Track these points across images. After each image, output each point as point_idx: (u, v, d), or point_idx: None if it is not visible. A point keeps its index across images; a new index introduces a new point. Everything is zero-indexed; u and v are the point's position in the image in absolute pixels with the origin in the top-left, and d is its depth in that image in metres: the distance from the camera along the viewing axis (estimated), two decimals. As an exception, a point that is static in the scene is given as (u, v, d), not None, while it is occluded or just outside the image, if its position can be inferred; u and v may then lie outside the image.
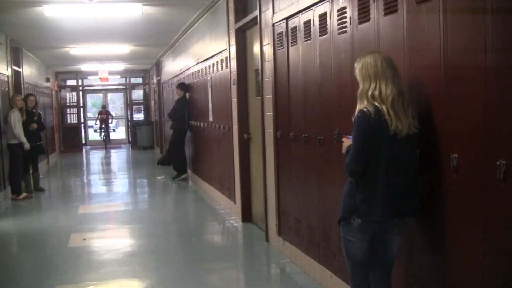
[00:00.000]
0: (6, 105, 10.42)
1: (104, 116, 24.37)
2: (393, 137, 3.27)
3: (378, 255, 3.52)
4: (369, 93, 3.32)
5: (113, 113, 29.00)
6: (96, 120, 25.28)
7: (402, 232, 3.50)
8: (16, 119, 10.31)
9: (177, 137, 12.53)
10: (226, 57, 8.47)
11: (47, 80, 18.75)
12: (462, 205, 3.11)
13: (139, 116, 26.36)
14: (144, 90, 25.37)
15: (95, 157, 20.72)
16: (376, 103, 3.30)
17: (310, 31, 5.09)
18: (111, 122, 26.05)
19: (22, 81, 13.51)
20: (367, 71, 3.35)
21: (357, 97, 3.42)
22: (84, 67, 20.33)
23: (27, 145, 10.42)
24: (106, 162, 19.07)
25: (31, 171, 11.21)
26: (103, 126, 24.19)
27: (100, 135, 24.40)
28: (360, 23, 4.15)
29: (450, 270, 3.25)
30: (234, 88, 8.08)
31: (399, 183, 3.33)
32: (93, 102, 34.47)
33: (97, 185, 13.70)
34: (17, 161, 10.40)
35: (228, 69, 8.36)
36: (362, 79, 3.39)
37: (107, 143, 23.65)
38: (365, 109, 3.30)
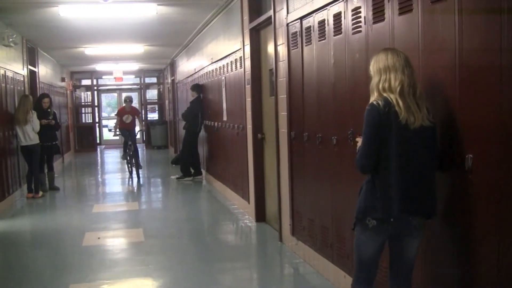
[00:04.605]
0: (26, 104, 10.45)
1: (129, 118, 13.52)
2: (405, 129, 3.23)
3: (397, 259, 3.47)
4: (380, 85, 3.32)
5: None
6: (116, 128, 13.93)
7: (419, 236, 3.43)
8: (36, 120, 10.46)
9: (190, 138, 12.56)
10: (240, 57, 8.47)
11: (62, 79, 18.89)
12: (477, 206, 3.09)
13: (153, 116, 26.43)
14: (159, 89, 25.47)
15: (110, 157, 20.80)
16: (385, 95, 3.29)
17: (325, 31, 5.08)
18: (140, 130, 14.51)
19: (37, 81, 13.63)
20: (378, 65, 3.36)
21: (370, 91, 3.43)
22: (98, 66, 20.45)
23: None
24: (121, 162, 19.13)
25: (46, 170, 11.30)
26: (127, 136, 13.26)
27: (125, 154, 13.54)
28: (374, 22, 4.13)
29: (466, 270, 3.23)
30: (248, 88, 8.08)
31: (414, 178, 3.27)
32: (107, 101, 34.63)
33: (111, 184, 13.76)
34: (37, 160, 10.52)
35: (242, 69, 8.36)
36: (373, 73, 3.40)
37: (134, 169, 13.08)
38: (374, 102, 3.29)
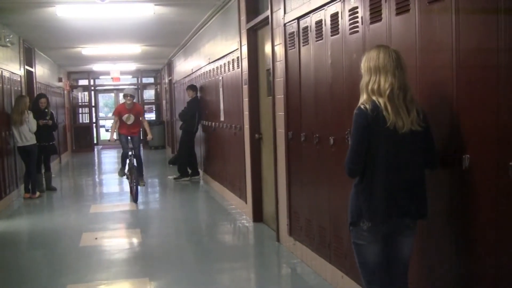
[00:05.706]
0: (21, 105, 10.42)
1: (131, 118, 10.27)
2: (393, 133, 3.21)
3: (392, 260, 3.45)
4: (369, 86, 3.29)
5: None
6: (113, 132, 10.42)
7: (413, 234, 3.43)
8: (33, 121, 10.43)
9: (187, 138, 12.55)
10: (238, 57, 8.47)
11: (59, 80, 18.87)
12: (474, 206, 3.09)
13: (150, 116, 26.40)
14: (156, 90, 25.46)
15: (107, 157, 20.78)
16: (374, 98, 3.26)
17: (322, 31, 5.08)
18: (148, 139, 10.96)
19: (34, 81, 13.61)
20: (369, 64, 3.33)
21: (360, 90, 3.41)
22: (96, 67, 20.43)
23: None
24: (118, 162, 19.08)
25: (43, 171, 11.29)
26: (129, 141, 10.43)
27: (123, 169, 10.78)
28: (371, 23, 4.14)
29: (463, 270, 3.23)
30: (245, 88, 8.08)
31: (402, 181, 3.26)
32: (104, 102, 34.59)
33: (108, 184, 13.75)
34: (34, 161, 10.50)
35: (240, 69, 8.36)
36: (364, 72, 3.38)
37: (135, 187, 10.12)
38: (362, 106, 3.27)
